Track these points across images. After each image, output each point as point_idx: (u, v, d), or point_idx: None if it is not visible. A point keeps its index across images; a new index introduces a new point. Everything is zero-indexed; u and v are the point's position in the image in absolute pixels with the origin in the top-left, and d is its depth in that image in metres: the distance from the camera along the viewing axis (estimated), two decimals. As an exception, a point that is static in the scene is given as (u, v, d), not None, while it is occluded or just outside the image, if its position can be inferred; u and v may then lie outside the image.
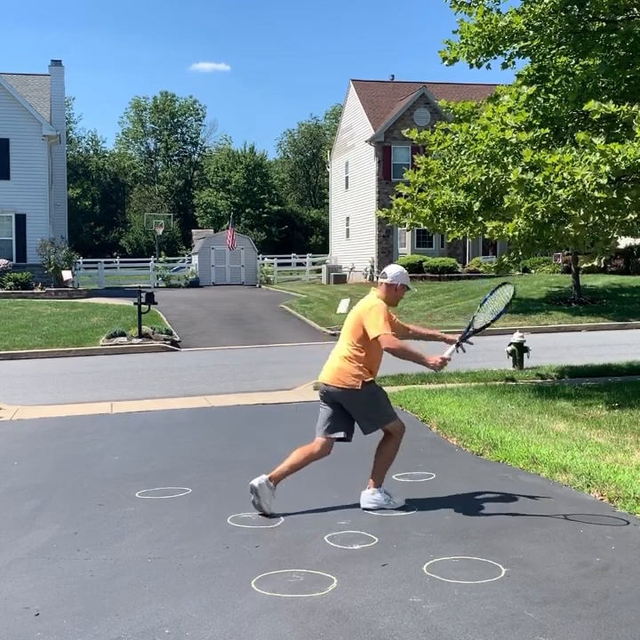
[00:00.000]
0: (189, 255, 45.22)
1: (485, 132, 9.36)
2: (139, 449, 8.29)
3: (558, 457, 6.86)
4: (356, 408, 5.73)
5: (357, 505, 5.81)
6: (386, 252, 37.15)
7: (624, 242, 28.25)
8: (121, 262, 45.77)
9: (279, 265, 42.39)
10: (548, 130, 9.61)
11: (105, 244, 72.35)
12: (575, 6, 9.94)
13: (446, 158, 10.45)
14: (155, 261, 38.45)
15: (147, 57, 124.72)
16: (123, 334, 18.83)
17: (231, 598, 4.21)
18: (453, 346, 5.81)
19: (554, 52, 10.36)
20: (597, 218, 9.26)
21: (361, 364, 5.69)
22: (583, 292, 24.76)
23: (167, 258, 42.10)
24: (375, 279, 36.29)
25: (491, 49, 10.24)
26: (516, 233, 9.50)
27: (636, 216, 10.25)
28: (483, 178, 9.49)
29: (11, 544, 5.23)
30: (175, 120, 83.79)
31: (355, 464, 7.21)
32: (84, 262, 39.61)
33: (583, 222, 9.32)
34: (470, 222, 10.66)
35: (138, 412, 10.54)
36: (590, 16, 10.11)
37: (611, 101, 8.92)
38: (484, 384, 11.53)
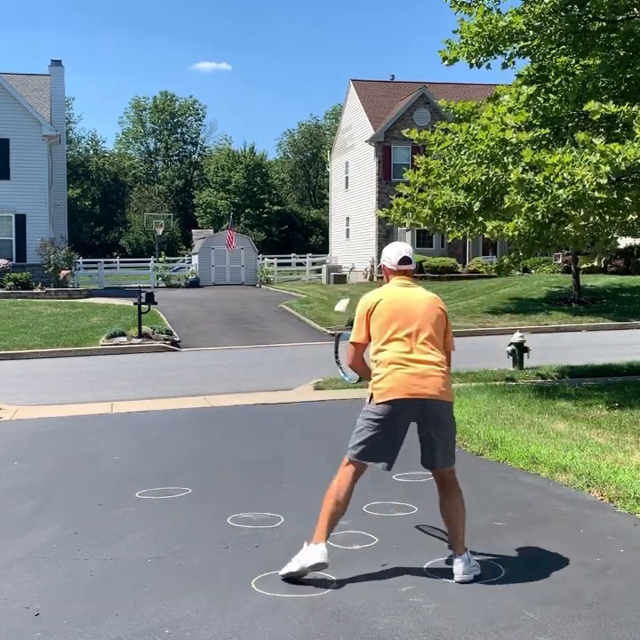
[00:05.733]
0: (189, 255, 45.19)
1: (485, 132, 9.36)
2: (139, 449, 8.29)
3: (558, 457, 6.86)
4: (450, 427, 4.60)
5: (357, 505, 5.79)
6: (386, 252, 37.09)
7: (624, 242, 28.22)
8: (121, 262, 45.69)
9: (279, 265, 42.35)
10: (548, 130, 9.62)
11: (105, 244, 72.30)
12: (575, 6, 9.93)
13: (446, 158, 10.45)
14: (155, 261, 38.42)
15: (147, 57, 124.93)
16: (123, 334, 18.82)
17: (231, 598, 4.20)
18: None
19: (554, 51, 10.36)
20: (597, 218, 9.26)
21: None
22: (583, 291, 24.75)
23: (167, 258, 42.04)
24: (375, 279, 36.29)
25: (491, 49, 10.24)
26: (516, 232, 9.51)
27: (636, 217, 10.25)
28: (483, 178, 9.50)
29: (11, 544, 5.22)
30: (175, 120, 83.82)
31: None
32: (83, 262, 39.54)
33: (583, 222, 9.32)
34: (470, 222, 10.66)
35: (138, 412, 10.54)
36: (590, 16, 10.10)
37: (611, 101, 8.92)
38: (484, 384, 11.53)
